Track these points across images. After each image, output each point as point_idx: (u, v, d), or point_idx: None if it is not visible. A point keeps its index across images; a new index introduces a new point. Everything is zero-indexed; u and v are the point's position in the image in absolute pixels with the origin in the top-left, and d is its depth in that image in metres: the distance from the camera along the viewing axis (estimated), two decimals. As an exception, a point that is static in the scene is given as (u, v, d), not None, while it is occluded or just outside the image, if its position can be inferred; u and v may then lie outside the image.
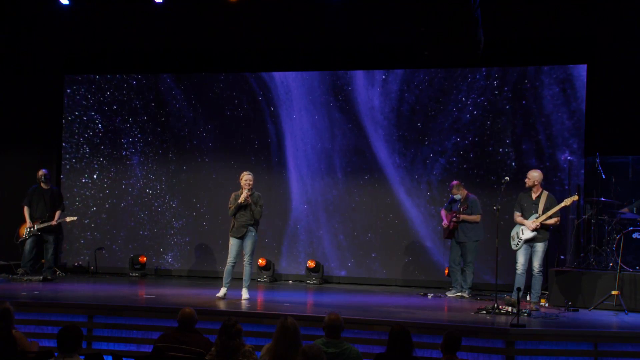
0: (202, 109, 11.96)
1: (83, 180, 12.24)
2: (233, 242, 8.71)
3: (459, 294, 9.74)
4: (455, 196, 9.87)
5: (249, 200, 8.60)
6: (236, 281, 8.92)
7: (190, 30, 11.56)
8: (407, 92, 11.26)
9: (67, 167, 12.31)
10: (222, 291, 8.71)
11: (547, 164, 10.58)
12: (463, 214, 9.69)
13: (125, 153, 12.15)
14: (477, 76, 10.98)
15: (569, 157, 10.56)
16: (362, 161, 11.43)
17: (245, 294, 8.73)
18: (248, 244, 8.67)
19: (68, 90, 12.33)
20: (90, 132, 12.26)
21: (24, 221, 10.71)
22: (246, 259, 8.71)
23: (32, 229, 10.58)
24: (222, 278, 8.91)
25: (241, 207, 8.64)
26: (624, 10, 10.23)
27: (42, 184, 10.71)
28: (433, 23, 7.85)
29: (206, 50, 11.96)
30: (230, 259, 8.73)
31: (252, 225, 8.68)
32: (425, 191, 11.16)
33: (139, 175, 12.09)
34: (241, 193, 8.67)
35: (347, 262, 11.40)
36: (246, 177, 8.68)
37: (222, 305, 8.14)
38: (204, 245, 11.83)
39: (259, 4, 11.07)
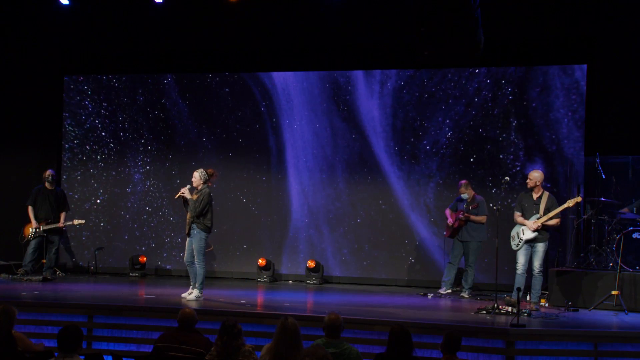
0: (205, 125, 11.89)
1: (83, 181, 12.25)
2: (187, 241, 8.80)
3: (449, 291, 9.76)
4: (462, 195, 9.87)
5: (182, 195, 8.66)
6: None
7: (190, 30, 11.55)
8: (399, 109, 11.21)
9: (67, 167, 12.30)
10: (189, 291, 8.75)
11: (547, 164, 10.57)
12: (472, 213, 9.69)
13: (126, 156, 12.12)
14: (476, 76, 10.97)
15: (568, 158, 10.55)
16: (365, 172, 11.35)
17: (187, 294, 8.64)
18: (192, 242, 8.68)
19: (68, 90, 12.31)
20: (90, 132, 12.24)
21: (28, 221, 10.68)
22: (195, 259, 8.71)
23: (38, 230, 10.56)
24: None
25: (186, 205, 8.73)
26: (624, 10, 10.23)
27: (48, 185, 10.69)
28: (433, 23, 7.84)
29: (207, 50, 11.92)
30: (184, 258, 8.83)
31: (194, 222, 8.64)
32: (424, 200, 11.15)
33: (138, 188, 12.08)
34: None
35: (351, 276, 11.38)
36: (193, 174, 8.79)
37: (221, 306, 8.14)
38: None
39: (259, 4, 11.07)
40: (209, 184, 8.82)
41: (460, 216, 9.71)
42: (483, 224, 9.76)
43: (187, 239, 8.76)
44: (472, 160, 10.94)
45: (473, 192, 9.91)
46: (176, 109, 12.01)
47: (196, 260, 8.67)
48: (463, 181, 9.97)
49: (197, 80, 11.97)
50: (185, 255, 8.80)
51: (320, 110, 11.56)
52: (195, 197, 8.65)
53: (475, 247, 9.75)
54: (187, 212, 8.74)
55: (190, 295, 8.64)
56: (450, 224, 9.86)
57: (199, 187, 8.72)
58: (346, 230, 11.39)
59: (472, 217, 9.69)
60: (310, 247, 11.47)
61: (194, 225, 8.63)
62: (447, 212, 10.04)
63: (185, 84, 12.01)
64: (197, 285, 8.65)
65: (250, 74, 11.78)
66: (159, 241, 11.94)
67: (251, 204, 11.72)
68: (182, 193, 8.69)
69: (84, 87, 12.29)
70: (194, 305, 8.07)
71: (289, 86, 11.70)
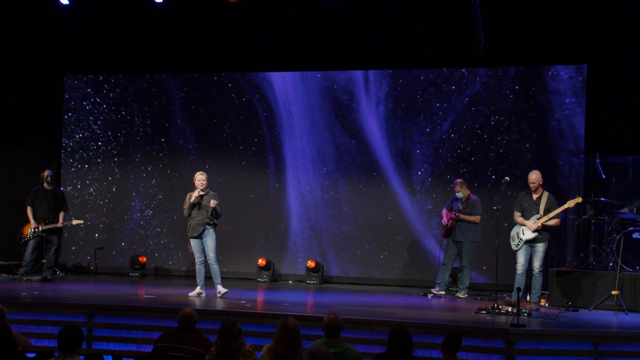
0: (206, 145, 11.90)
1: (83, 180, 12.25)
2: (194, 242, 8.89)
3: (442, 292, 9.75)
4: (457, 194, 9.86)
5: (199, 199, 8.80)
6: (222, 281, 9.04)
7: (190, 30, 11.54)
8: (392, 135, 11.25)
9: (67, 168, 12.30)
10: (197, 290, 8.89)
11: (547, 164, 10.55)
12: (462, 213, 9.67)
13: (126, 156, 12.12)
14: (476, 76, 10.96)
15: (568, 157, 10.55)
16: (370, 183, 11.34)
17: (221, 289, 8.84)
18: (208, 242, 8.84)
19: (68, 90, 12.31)
20: (90, 132, 12.24)
21: (27, 221, 10.67)
22: (210, 258, 8.87)
23: (37, 230, 10.56)
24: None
25: (195, 207, 8.83)
26: (624, 10, 10.23)
27: (46, 185, 10.68)
28: (433, 23, 7.85)
29: (206, 50, 11.90)
30: (197, 258, 8.92)
31: (208, 224, 8.82)
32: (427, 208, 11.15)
33: (139, 187, 12.07)
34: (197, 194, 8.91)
35: (351, 276, 11.36)
36: (199, 177, 8.91)
37: (221, 305, 8.15)
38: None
39: (259, 4, 11.06)
40: None
41: (453, 216, 9.70)
42: (477, 223, 9.74)
43: (195, 240, 8.86)
44: (475, 158, 10.97)
45: (468, 192, 9.88)
46: (176, 121, 12.02)
47: (214, 259, 8.85)
48: (458, 180, 9.95)
49: (198, 84, 11.94)
50: (198, 255, 8.90)
51: (323, 126, 11.54)
52: (213, 202, 8.79)
53: (469, 247, 9.71)
54: (189, 215, 8.87)
55: (219, 292, 8.83)
56: (445, 224, 9.84)
57: (205, 190, 8.89)
58: (349, 239, 11.40)
59: (464, 217, 9.67)
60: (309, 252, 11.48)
61: (208, 226, 8.84)
62: (444, 211, 10.02)
63: (186, 88, 11.98)
64: (219, 281, 8.87)
65: (253, 85, 11.73)
66: (160, 241, 11.94)
67: (253, 208, 11.74)
68: (198, 197, 8.82)
69: (84, 87, 12.29)
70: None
71: (290, 102, 11.66)
